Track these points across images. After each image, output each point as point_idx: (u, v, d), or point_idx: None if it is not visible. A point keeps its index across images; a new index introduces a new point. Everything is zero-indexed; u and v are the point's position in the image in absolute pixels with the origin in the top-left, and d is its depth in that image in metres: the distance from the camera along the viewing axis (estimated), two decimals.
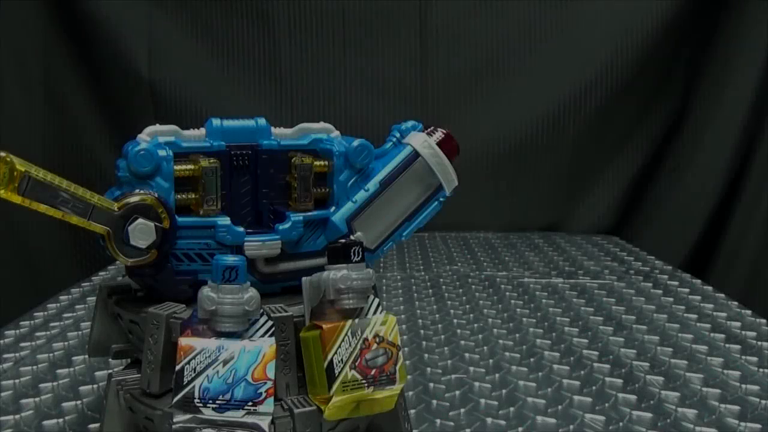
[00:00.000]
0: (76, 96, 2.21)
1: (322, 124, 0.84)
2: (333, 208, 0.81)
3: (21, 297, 1.96)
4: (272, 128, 0.82)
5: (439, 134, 0.86)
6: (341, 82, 2.24)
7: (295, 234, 0.78)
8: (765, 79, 2.16)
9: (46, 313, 1.43)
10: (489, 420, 0.94)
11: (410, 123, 0.88)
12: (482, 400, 1.00)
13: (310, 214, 0.79)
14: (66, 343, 1.23)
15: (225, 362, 0.67)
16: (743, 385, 1.04)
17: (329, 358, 0.69)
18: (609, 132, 2.28)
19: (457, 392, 1.03)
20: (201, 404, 0.66)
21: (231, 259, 0.68)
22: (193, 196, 0.76)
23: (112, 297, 0.81)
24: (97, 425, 0.88)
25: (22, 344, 1.23)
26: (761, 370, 1.10)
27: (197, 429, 0.65)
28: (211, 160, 0.76)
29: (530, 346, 1.21)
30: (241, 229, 0.76)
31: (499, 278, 1.67)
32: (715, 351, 1.18)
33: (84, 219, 0.69)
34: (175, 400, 0.66)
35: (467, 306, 1.45)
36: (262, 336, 0.69)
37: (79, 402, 0.99)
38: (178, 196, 0.75)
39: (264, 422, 0.66)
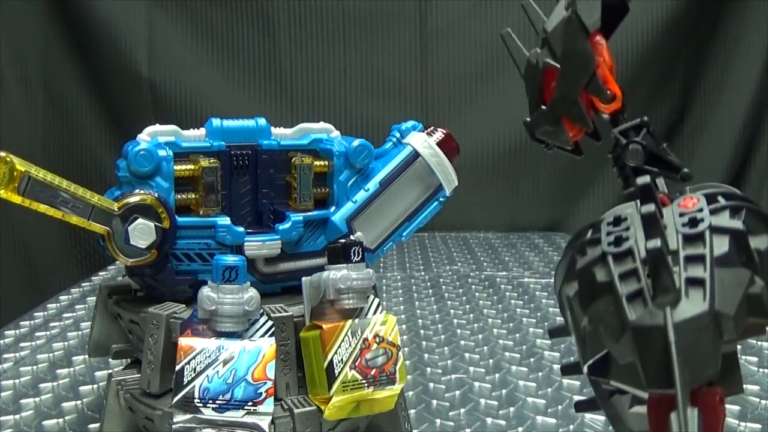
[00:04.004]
0: (76, 96, 2.21)
1: (322, 124, 0.85)
2: (333, 208, 0.81)
3: (21, 297, 1.96)
4: (272, 128, 0.82)
5: (439, 134, 0.86)
6: (341, 82, 2.24)
7: (295, 234, 0.78)
8: (765, 79, 2.16)
9: (46, 313, 1.43)
10: (489, 420, 0.94)
11: (410, 123, 0.88)
12: (482, 400, 1.00)
13: (310, 214, 0.79)
14: (66, 343, 1.23)
15: (225, 362, 0.67)
16: (743, 385, 1.04)
17: (329, 358, 0.69)
18: (609, 132, 2.28)
19: (457, 392, 1.03)
20: (201, 404, 0.66)
21: (231, 259, 0.68)
22: (193, 196, 0.76)
23: (112, 297, 0.81)
24: (97, 425, 0.88)
25: (22, 344, 1.23)
26: (761, 370, 1.10)
27: (197, 429, 0.65)
28: (211, 160, 0.76)
29: (530, 346, 1.21)
30: (241, 229, 0.76)
31: (499, 278, 1.67)
32: None
33: (84, 219, 0.69)
34: (175, 400, 0.66)
35: (467, 306, 1.45)
36: (262, 336, 0.70)
37: (79, 402, 0.99)
38: (178, 196, 0.75)
39: (264, 422, 0.66)
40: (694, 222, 0.48)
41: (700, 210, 0.48)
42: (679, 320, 0.43)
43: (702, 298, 0.44)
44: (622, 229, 0.50)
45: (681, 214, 0.49)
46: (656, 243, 0.44)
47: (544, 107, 0.62)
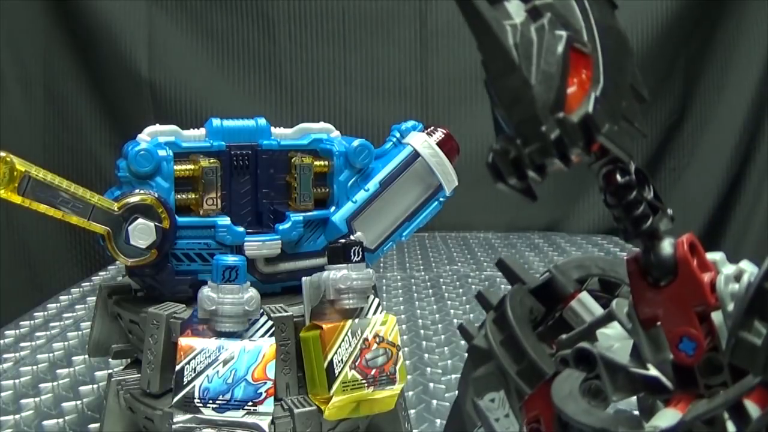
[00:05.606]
0: (76, 96, 2.21)
1: (322, 124, 0.84)
2: (333, 208, 0.81)
3: (21, 297, 1.96)
4: (272, 128, 0.82)
5: (439, 134, 0.86)
6: (341, 82, 2.24)
7: (295, 234, 0.78)
8: (765, 79, 2.16)
9: (46, 313, 1.43)
10: None
11: (410, 123, 0.87)
12: None
13: (310, 214, 0.79)
14: (66, 343, 1.23)
15: (225, 362, 0.67)
16: None
17: (329, 358, 0.69)
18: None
19: (457, 392, 1.03)
20: (201, 404, 0.66)
21: (231, 259, 0.68)
22: (193, 196, 0.76)
23: (112, 297, 0.81)
24: (97, 425, 0.88)
25: (22, 344, 1.23)
26: None
27: (197, 429, 0.65)
28: (211, 160, 0.76)
29: None
30: (241, 229, 0.76)
31: (499, 278, 1.67)
32: None
33: (84, 219, 0.69)
34: (175, 400, 0.66)
35: (467, 306, 1.45)
36: (262, 336, 0.70)
37: (79, 402, 0.99)
38: (178, 196, 0.75)
39: (264, 422, 0.66)
40: None
41: None
42: None
43: None
44: None
45: None
46: None
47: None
